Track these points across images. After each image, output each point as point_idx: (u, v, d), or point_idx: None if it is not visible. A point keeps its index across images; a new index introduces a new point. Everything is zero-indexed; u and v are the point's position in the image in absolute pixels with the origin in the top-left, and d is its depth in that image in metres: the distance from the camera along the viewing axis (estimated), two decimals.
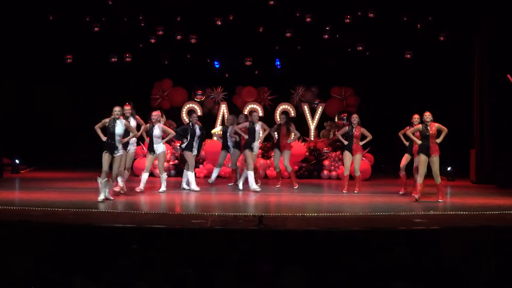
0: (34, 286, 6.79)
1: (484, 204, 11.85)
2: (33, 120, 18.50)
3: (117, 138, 11.52)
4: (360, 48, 16.73)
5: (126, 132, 11.79)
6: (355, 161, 13.59)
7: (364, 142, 13.67)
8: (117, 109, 11.59)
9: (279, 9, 16.05)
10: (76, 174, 16.69)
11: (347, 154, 13.58)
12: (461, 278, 7.78)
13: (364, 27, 16.30)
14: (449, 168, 16.66)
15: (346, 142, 13.46)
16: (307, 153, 17.14)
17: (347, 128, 13.72)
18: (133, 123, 12.52)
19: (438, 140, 12.05)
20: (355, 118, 13.67)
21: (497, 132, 15.55)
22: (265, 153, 16.88)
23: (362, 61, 17.75)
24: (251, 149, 13.60)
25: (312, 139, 18.02)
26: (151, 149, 12.98)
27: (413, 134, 12.42)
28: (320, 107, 18.49)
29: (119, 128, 11.50)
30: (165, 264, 7.91)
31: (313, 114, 18.49)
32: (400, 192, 13.26)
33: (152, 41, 16.65)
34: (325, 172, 16.95)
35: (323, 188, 14.24)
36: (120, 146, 11.61)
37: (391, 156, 16.24)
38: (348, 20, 15.85)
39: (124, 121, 11.73)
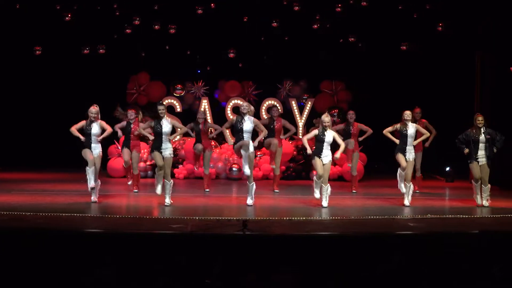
0: None
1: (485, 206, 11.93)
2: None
3: (93, 138, 12.00)
4: (352, 39, 16.67)
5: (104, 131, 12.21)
6: (353, 159, 14.14)
7: (364, 136, 14.13)
8: (93, 110, 12.01)
9: None
10: (46, 175, 16.61)
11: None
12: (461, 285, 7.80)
13: (356, 17, 16.26)
14: (447, 168, 16.71)
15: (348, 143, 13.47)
16: (295, 152, 17.12)
17: (342, 126, 13.98)
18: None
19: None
20: (351, 114, 14.13)
21: (499, 131, 15.58)
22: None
23: (354, 53, 17.71)
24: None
25: (301, 137, 17.99)
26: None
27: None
28: (309, 103, 18.46)
29: (95, 129, 12.01)
30: (141, 273, 7.87)
31: (301, 110, 18.46)
32: (416, 191, 13.83)
33: (128, 31, 16.52)
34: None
35: (312, 190, 14.18)
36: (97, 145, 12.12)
37: (384, 154, 16.24)
38: (339, 9, 15.81)
39: (100, 121, 12.10)
